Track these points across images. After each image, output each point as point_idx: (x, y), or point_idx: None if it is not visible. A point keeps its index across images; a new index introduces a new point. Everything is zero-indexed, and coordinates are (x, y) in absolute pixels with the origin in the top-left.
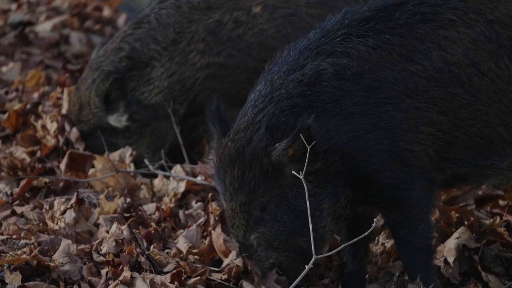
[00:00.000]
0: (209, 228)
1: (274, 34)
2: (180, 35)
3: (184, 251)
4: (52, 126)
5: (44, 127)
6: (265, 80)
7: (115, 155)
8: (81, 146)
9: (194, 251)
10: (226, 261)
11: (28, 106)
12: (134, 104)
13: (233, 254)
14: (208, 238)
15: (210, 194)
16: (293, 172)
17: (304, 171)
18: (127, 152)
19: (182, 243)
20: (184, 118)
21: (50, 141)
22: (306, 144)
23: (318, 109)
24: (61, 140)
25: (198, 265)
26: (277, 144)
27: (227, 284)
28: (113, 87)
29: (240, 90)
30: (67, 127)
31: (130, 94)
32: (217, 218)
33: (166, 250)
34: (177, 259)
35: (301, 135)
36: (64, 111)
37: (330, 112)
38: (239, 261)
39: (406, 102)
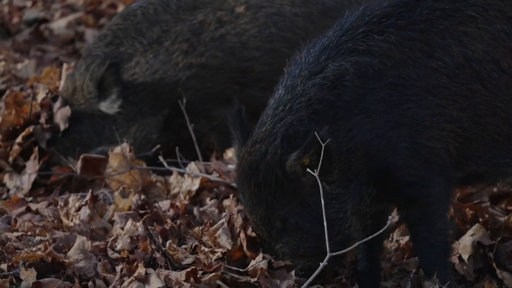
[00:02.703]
0: (237, 228)
1: (256, 34)
2: (166, 34)
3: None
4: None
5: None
6: (285, 85)
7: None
8: (65, 125)
9: (219, 250)
10: (252, 262)
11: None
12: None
13: (259, 256)
14: (238, 239)
15: (222, 196)
16: (310, 172)
17: (320, 187)
18: (127, 148)
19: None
20: (169, 117)
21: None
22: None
23: (340, 109)
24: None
25: (213, 261)
26: (292, 153)
27: (245, 280)
28: (109, 72)
29: (224, 89)
30: (56, 104)
31: None
32: (242, 217)
33: (184, 246)
34: (197, 256)
35: (316, 146)
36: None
37: (352, 110)
38: (264, 263)
39: (428, 99)
